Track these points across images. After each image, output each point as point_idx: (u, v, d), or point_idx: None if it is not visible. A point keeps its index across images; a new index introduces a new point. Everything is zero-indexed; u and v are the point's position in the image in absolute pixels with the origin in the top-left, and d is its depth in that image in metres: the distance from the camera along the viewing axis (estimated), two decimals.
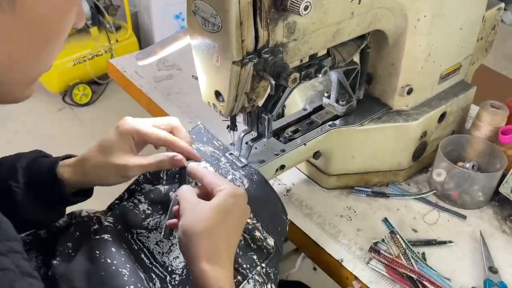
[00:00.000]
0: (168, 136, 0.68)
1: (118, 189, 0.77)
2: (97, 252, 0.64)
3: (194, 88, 1.21)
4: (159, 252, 0.69)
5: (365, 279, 0.76)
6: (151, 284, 0.65)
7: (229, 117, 0.74)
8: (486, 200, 0.90)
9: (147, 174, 0.78)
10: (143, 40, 2.86)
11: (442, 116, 0.93)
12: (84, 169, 0.67)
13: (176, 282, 0.67)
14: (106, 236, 0.66)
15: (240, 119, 0.78)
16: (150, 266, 0.68)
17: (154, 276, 0.67)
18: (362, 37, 0.80)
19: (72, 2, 0.46)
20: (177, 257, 0.69)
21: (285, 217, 0.74)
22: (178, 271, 0.68)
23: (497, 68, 1.92)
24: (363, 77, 0.87)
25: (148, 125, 0.68)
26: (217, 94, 0.68)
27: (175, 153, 0.67)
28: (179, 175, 0.70)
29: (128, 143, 0.67)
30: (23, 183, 0.66)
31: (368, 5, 0.72)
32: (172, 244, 0.70)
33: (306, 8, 0.58)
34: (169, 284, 0.66)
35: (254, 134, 0.79)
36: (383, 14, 0.76)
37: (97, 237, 0.66)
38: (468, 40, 0.92)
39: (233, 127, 0.76)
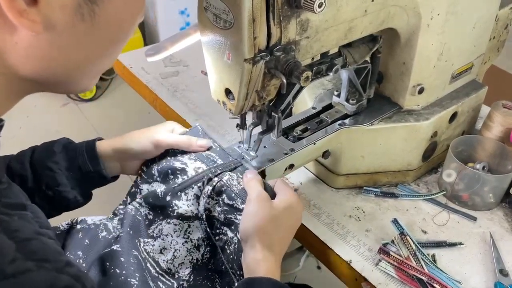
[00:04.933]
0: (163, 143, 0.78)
1: (118, 195, 0.78)
2: (108, 263, 0.65)
3: (201, 85, 1.20)
4: (163, 260, 0.69)
5: (374, 281, 0.75)
6: None
7: (238, 116, 0.73)
8: (496, 202, 0.89)
9: (142, 174, 0.79)
10: (148, 35, 2.85)
11: (453, 116, 0.91)
12: (124, 143, 0.77)
13: None
14: (115, 247, 0.67)
15: (249, 117, 0.77)
16: (156, 275, 0.67)
17: (161, 284, 0.66)
18: (374, 40, 0.79)
19: (140, 9, 0.49)
20: (182, 263, 0.68)
21: None
22: (185, 277, 0.67)
23: (505, 68, 1.90)
24: (374, 76, 0.86)
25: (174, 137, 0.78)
26: (227, 92, 0.67)
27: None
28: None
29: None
30: (63, 165, 0.73)
31: (381, 2, 0.71)
32: (176, 250, 0.69)
33: (320, 5, 0.57)
34: None
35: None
36: (396, 12, 0.75)
37: (108, 249, 0.67)
38: (481, 39, 0.91)
39: (242, 126, 0.75)
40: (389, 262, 0.77)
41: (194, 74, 1.25)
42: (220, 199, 0.70)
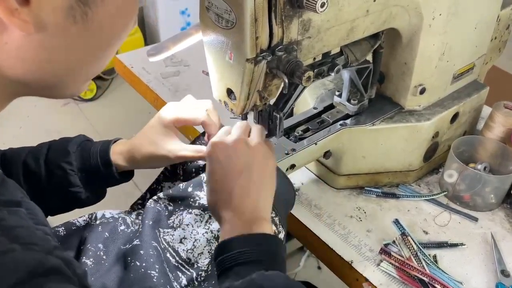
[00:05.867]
0: (207, 119, 0.75)
1: (134, 191, 0.78)
2: (129, 258, 0.66)
3: (202, 85, 1.20)
4: (183, 250, 0.69)
5: (376, 281, 0.75)
6: (175, 283, 0.65)
7: (240, 116, 0.73)
8: (498, 203, 0.89)
9: (166, 172, 0.80)
10: (149, 35, 2.85)
11: (455, 117, 0.91)
12: (134, 157, 0.75)
13: (202, 279, 0.67)
14: (136, 242, 0.68)
15: (250, 117, 0.77)
16: (176, 264, 0.68)
17: (180, 274, 0.67)
18: (375, 37, 0.79)
19: (133, 14, 0.49)
20: (202, 253, 0.69)
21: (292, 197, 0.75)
22: (204, 267, 0.68)
23: (506, 68, 1.90)
24: (375, 76, 0.85)
25: (186, 110, 0.75)
26: (229, 92, 0.67)
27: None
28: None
29: (171, 130, 0.75)
30: (76, 166, 0.73)
31: (383, 3, 0.71)
32: (196, 239, 0.70)
33: (322, 5, 0.57)
34: (195, 281, 0.67)
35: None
36: (398, 12, 0.75)
37: (129, 245, 0.68)
38: (482, 40, 0.91)
39: None
40: (390, 263, 0.77)
41: (195, 74, 1.25)
42: None
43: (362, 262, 0.78)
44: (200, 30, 0.66)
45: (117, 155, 0.75)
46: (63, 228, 0.72)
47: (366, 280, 0.75)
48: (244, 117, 0.74)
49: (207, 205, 0.72)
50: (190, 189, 0.72)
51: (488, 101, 0.99)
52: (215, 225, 0.71)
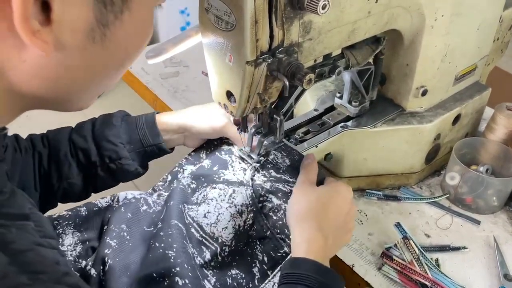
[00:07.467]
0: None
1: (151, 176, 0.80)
2: (152, 241, 0.68)
3: (201, 86, 1.19)
4: (207, 224, 0.70)
5: (377, 285, 0.74)
6: (199, 258, 0.66)
7: (240, 118, 0.72)
8: (500, 205, 0.88)
9: (189, 157, 0.82)
10: None
11: (457, 118, 0.90)
12: (184, 113, 0.79)
13: (226, 254, 0.68)
14: (159, 225, 0.69)
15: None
16: (200, 239, 0.69)
17: (204, 248, 0.68)
18: (377, 42, 0.78)
19: (149, 35, 0.49)
20: (226, 227, 0.69)
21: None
22: (228, 242, 0.68)
23: (508, 69, 1.89)
24: (377, 78, 0.84)
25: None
26: (229, 94, 0.66)
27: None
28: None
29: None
30: (125, 139, 0.76)
31: (385, 4, 0.70)
32: (219, 213, 0.70)
33: (324, 7, 0.56)
34: (219, 256, 0.67)
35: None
36: (400, 14, 0.74)
37: (153, 229, 0.70)
38: (485, 41, 0.90)
39: (244, 128, 0.74)
40: (392, 267, 0.76)
41: (195, 74, 1.24)
42: (267, 173, 0.73)
43: (363, 266, 0.77)
44: (199, 32, 0.65)
45: (167, 120, 0.78)
46: (85, 208, 0.74)
47: (368, 284, 0.75)
48: (244, 120, 0.73)
49: (231, 180, 0.74)
50: (215, 168, 0.74)
51: (490, 103, 0.98)
52: (238, 200, 0.71)
